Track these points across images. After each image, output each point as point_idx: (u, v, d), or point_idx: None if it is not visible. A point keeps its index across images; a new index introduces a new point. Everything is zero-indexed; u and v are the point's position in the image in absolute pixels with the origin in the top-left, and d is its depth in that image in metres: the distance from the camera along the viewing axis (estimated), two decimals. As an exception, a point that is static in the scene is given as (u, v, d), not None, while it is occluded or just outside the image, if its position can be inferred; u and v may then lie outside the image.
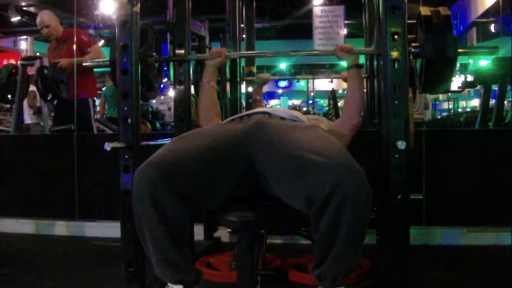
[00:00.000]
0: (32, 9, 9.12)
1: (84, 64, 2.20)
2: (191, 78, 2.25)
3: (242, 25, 2.86)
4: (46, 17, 3.77)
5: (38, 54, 4.60)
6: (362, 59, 3.05)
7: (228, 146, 1.47)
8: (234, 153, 1.46)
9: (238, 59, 2.77)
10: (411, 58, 1.90)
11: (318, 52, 2.07)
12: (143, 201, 1.32)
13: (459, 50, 1.77)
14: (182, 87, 2.18)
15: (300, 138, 1.41)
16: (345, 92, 2.03)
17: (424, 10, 1.81)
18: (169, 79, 2.83)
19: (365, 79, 2.90)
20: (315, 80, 12.96)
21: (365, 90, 1.89)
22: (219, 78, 2.62)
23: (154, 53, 2.01)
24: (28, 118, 5.43)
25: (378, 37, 1.90)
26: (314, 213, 1.27)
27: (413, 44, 1.82)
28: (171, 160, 1.36)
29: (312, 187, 1.27)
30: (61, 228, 3.00)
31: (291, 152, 1.36)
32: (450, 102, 11.87)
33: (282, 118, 1.63)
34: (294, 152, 1.35)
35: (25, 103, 4.98)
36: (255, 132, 1.49)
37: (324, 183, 1.23)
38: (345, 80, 2.06)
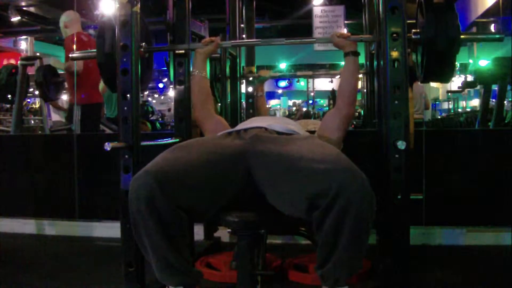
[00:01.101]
0: (32, 9, 9.12)
1: (70, 55, 2.15)
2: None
3: (242, 25, 2.85)
4: (60, 18, 3.78)
5: (38, 54, 4.61)
6: (362, 59, 3.05)
7: (226, 162, 1.46)
8: (232, 170, 1.46)
9: (238, 59, 2.78)
10: (411, 46, 1.87)
11: (314, 40, 2.04)
12: (141, 209, 1.31)
13: (462, 37, 1.71)
14: (182, 87, 2.17)
15: (298, 149, 1.42)
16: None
17: None
18: (169, 79, 2.83)
19: (364, 77, 2.90)
20: (315, 80, 12.95)
21: (359, 81, 1.84)
22: (219, 75, 2.62)
23: (143, 43, 1.93)
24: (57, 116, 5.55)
25: (378, 37, 1.90)
26: (317, 217, 1.28)
27: (413, 31, 1.80)
28: (168, 170, 1.35)
29: (314, 193, 1.27)
30: (61, 228, 2.99)
31: (291, 162, 1.36)
32: (450, 102, 11.86)
33: (279, 133, 1.63)
34: (294, 162, 1.36)
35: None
36: (253, 147, 1.50)
37: (328, 189, 1.24)
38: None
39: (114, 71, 1.78)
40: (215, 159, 1.45)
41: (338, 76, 2.63)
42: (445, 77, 1.88)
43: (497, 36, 1.83)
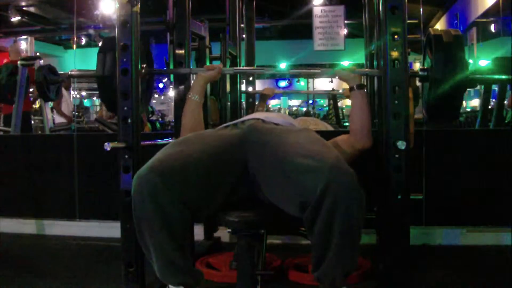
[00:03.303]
0: (32, 9, 9.12)
1: (69, 72, 2.14)
2: (191, 78, 2.24)
3: (242, 25, 2.86)
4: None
5: (38, 54, 4.62)
6: (362, 60, 3.06)
7: (225, 152, 1.47)
8: (230, 160, 1.47)
9: (238, 59, 2.78)
10: (417, 83, 1.87)
11: (318, 71, 2.02)
12: (145, 206, 1.31)
13: (471, 76, 1.75)
14: (182, 87, 2.17)
15: (292, 143, 1.42)
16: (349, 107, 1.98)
17: (434, 30, 1.80)
18: (169, 79, 2.84)
19: (364, 77, 2.89)
20: (315, 80, 12.95)
21: (369, 111, 1.76)
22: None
23: (144, 65, 1.90)
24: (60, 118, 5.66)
25: (378, 37, 1.90)
26: (308, 216, 1.28)
27: (420, 67, 1.80)
28: (171, 165, 1.36)
29: (303, 191, 1.27)
30: (61, 228, 2.99)
31: (284, 156, 1.37)
32: (450, 102, 11.83)
33: (276, 124, 1.63)
34: (286, 156, 1.36)
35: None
36: (250, 137, 1.51)
37: (315, 187, 1.24)
38: (347, 97, 1.98)
39: (112, 90, 1.76)
40: (215, 151, 1.46)
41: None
42: (449, 118, 1.88)
43: (504, 77, 1.84)
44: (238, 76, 2.77)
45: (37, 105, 5.64)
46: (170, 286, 1.39)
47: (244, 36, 2.94)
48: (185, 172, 1.36)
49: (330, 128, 3.27)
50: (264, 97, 2.82)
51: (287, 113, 14.01)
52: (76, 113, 7.89)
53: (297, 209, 1.31)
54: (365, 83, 2.94)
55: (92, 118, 8.76)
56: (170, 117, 8.78)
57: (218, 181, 1.44)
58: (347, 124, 6.04)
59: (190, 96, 1.88)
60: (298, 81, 14.76)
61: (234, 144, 1.50)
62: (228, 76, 2.67)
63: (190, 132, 1.83)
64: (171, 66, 2.21)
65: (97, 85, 1.88)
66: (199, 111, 1.88)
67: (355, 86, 1.78)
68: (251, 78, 2.94)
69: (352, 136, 1.78)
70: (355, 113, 1.78)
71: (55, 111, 5.75)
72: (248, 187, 1.50)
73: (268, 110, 7.18)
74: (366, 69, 2.06)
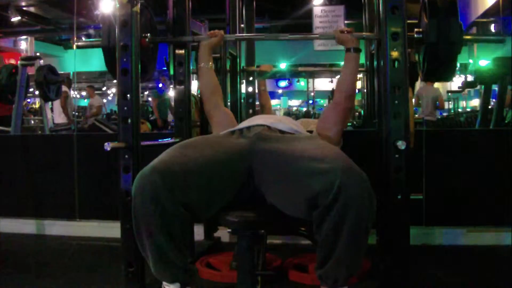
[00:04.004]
0: (32, 9, 9.12)
1: (76, 44, 2.18)
2: (191, 78, 2.25)
3: (242, 25, 2.86)
4: None
5: (38, 54, 4.62)
6: (362, 59, 3.06)
7: (230, 160, 1.48)
8: (235, 167, 1.47)
9: (238, 59, 2.78)
10: (413, 45, 1.88)
11: (317, 36, 2.04)
12: (145, 205, 1.32)
13: (465, 37, 1.76)
14: (182, 87, 2.17)
15: (300, 149, 1.42)
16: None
17: None
18: (169, 79, 2.84)
19: (364, 77, 2.90)
20: (315, 80, 12.96)
21: (358, 80, 1.84)
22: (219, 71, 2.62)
23: (148, 34, 1.93)
24: (59, 118, 5.64)
25: (380, 35, 1.89)
26: (317, 216, 1.28)
27: (416, 30, 1.81)
28: (174, 167, 1.36)
29: (315, 192, 1.27)
30: (61, 228, 2.99)
31: (293, 161, 1.37)
32: (450, 102, 11.86)
33: (282, 132, 1.64)
34: (296, 161, 1.36)
35: (56, 103, 5.28)
36: (256, 146, 1.51)
37: (328, 188, 1.24)
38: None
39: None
40: (220, 158, 1.46)
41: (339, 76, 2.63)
42: (445, 78, 1.91)
43: (498, 37, 1.86)
44: (238, 76, 2.77)
45: (37, 105, 5.66)
46: (164, 283, 1.40)
47: (244, 36, 2.94)
48: (187, 176, 1.36)
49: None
50: (263, 75, 2.81)
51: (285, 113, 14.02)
52: (76, 113, 7.89)
53: (305, 211, 1.32)
54: (364, 83, 2.95)
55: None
56: (170, 116, 8.79)
57: (220, 188, 1.44)
58: (347, 124, 6.06)
59: (201, 65, 1.97)
60: (298, 81, 14.77)
61: (239, 154, 1.50)
62: (228, 76, 2.67)
63: (208, 99, 1.95)
64: (171, 66, 2.21)
65: (104, 55, 1.92)
66: (213, 76, 1.99)
67: (351, 49, 1.84)
68: (251, 78, 2.93)
69: (337, 94, 1.84)
70: (346, 73, 1.84)
71: (55, 110, 5.75)
72: (250, 192, 1.50)
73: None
74: (363, 33, 2.07)
